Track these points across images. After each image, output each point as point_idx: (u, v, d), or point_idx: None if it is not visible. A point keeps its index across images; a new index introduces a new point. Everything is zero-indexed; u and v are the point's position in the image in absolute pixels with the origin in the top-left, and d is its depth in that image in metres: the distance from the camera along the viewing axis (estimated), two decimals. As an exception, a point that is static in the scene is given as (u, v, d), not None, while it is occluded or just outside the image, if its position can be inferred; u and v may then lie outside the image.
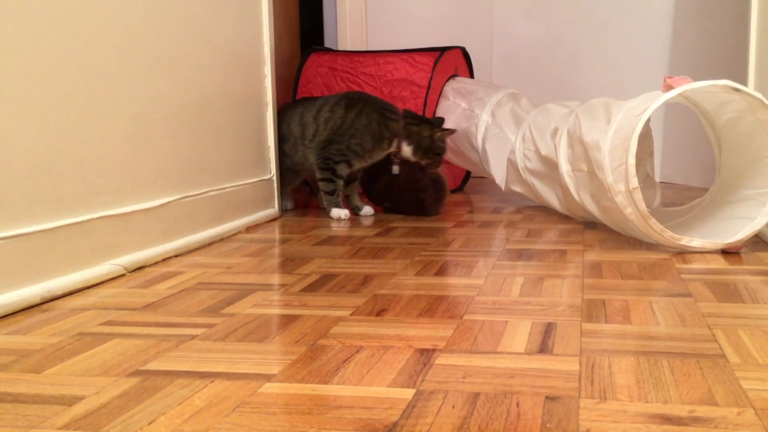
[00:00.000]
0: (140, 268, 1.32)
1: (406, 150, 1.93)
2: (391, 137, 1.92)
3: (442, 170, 2.03)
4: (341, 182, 1.92)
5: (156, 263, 1.37)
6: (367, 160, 1.93)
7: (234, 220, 1.73)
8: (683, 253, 1.42)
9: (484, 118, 2.20)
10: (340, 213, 1.90)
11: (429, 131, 1.93)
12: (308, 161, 1.96)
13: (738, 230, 1.42)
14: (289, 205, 2.08)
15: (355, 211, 1.97)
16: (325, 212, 1.96)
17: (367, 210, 1.97)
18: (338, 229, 1.76)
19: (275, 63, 1.99)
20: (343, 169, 1.90)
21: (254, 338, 0.91)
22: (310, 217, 1.94)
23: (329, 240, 1.61)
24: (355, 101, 1.94)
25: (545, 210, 2.02)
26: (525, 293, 1.12)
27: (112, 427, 0.66)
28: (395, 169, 1.96)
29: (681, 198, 2.21)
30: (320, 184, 1.92)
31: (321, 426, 0.65)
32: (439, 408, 0.69)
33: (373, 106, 1.93)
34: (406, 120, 1.94)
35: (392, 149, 1.94)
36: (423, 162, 1.95)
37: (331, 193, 1.91)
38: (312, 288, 1.17)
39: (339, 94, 2.01)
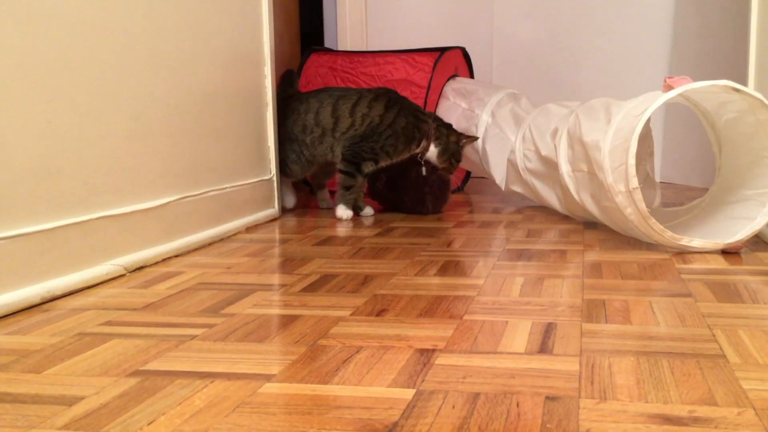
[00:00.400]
0: (140, 268, 1.32)
1: (433, 152, 1.96)
2: (420, 138, 1.93)
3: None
4: (361, 180, 1.91)
5: (156, 263, 1.37)
6: (393, 159, 1.94)
7: (234, 220, 1.73)
8: (683, 253, 1.42)
9: (484, 118, 2.20)
10: (345, 213, 1.90)
11: (456, 137, 1.97)
12: (333, 153, 1.93)
13: (738, 230, 1.42)
14: (291, 201, 2.05)
15: (356, 211, 1.97)
16: (323, 212, 1.95)
17: (368, 210, 1.97)
18: (338, 229, 1.76)
19: (275, 63, 1.99)
20: (368, 167, 1.90)
21: (254, 338, 0.91)
22: (310, 217, 1.94)
23: (329, 240, 1.61)
24: (394, 101, 1.93)
25: (545, 210, 2.02)
26: (525, 293, 1.12)
27: (112, 427, 0.66)
28: (423, 170, 1.98)
29: (681, 198, 2.21)
30: (340, 176, 1.91)
31: (321, 426, 0.65)
32: (439, 408, 0.69)
33: (409, 108, 1.94)
34: (437, 122, 1.97)
35: (418, 150, 1.95)
36: (442, 166, 1.99)
37: (348, 188, 1.90)
38: (312, 288, 1.17)
39: (374, 89, 1.97)
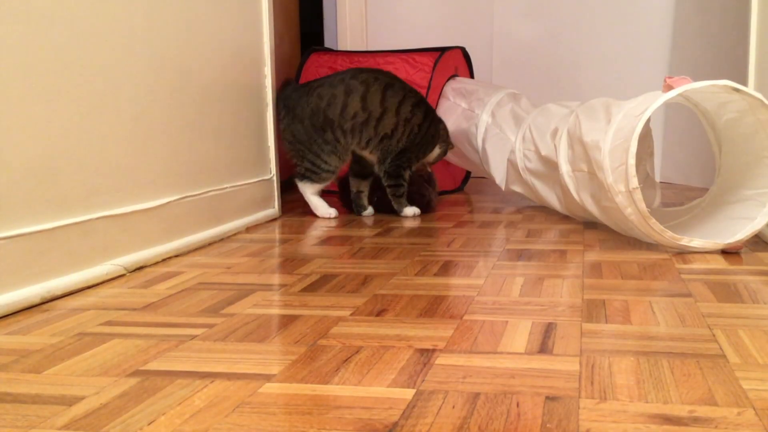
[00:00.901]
0: (140, 268, 1.32)
1: (435, 153, 2.00)
2: (438, 143, 1.99)
3: (435, 169, 2.13)
4: (406, 183, 1.94)
5: (156, 263, 1.37)
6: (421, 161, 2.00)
7: (234, 220, 1.73)
8: (683, 253, 1.42)
9: (484, 118, 2.20)
10: (410, 211, 1.94)
11: (451, 144, 2.04)
12: (365, 148, 1.90)
13: (738, 230, 1.42)
14: (333, 210, 1.95)
15: (358, 210, 1.98)
16: (315, 215, 1.95)
17: (370, 211, 1.98)
18: (338, 229, 1.76)
19: (275, 63, 1.99)
20: (408, 174, 1.94)
21: (254, 338, 0.91)
22: (310, 217, 1.94)
23: (329, 240, 1.61)
24: (429, 108, 1.96)
25: (545, 210, 2.02)
26: (525, 293, 1.12)
27: (112, 427, 0.66)
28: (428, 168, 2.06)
29: (681, 198, 2.21)
30: (389, 189, 1.94)
31: (321, 426, 0.65)
32: (439, 408, 0.69)
33: (432, 113, 1.97)
34: (441, 123, 2.01)
35: None
36: (430, 165, 2.04)
37: (401, 195, 1.94)
38: (312, 288, 1.17)
39: (413, 89, 1.95)
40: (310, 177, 1.91)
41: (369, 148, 1.91)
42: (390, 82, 1.91)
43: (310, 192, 1.93)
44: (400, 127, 1.90)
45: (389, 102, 1.89)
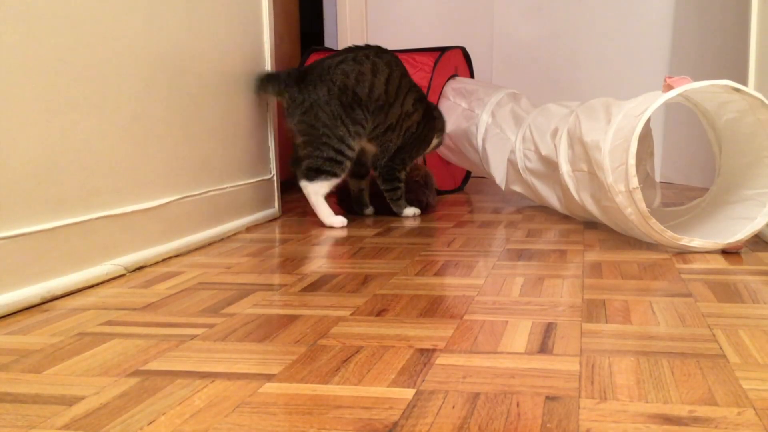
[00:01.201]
0: (140, 268, 1.32)
1: (433, 144, 2.01)
2: (432, 139, 2.00)
3: (435, 170, 2.16)
4: (402, 184, 1.93)
5: (156, 263, 1.37)
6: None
7: (234, 220, 1.73)
8: (683, 253, 1.42)
9: (484, 118, 2.20)
10: (410, 211, 1.94)
11: (446, 136, 2.08)
12: (373, 132, 1.84)
13: (738, 230, 1.42)
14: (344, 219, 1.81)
15: (360, 208, 1.98)
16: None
17: (371, 210, 1.98)
18: (338, 229, 1.76)
19: (275, 63, 1.99)
20: (402, 174, 1.93)
21: (254, 338, 0.91)
22: (310, 217, 1.94)
23: (329, 240, 1.61)
24: (428, 106, 1.96)
25: (545, 210, 2.02)
26: (525, 293, 1.12)
27: (112, 427, 0.66)
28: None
29: (681, 198, 2.21)
30: (387, 193, 1.93)
31: (321, 426, 0.65)
32: (439, 408, 0.69)
33: (430, 112, 1.96)
34: (436, 111, 2.01)
35: None
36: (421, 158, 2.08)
37: (399, 198, 1.93)
38: (312, 288, 1.17)
39: (416, 85, 1.92)
40: (329, 170, 1.75)
41: (374, 134, 1.85)
42: (404, 71, 1.90)
43: (323, 193, 1.77)
44: (401, 120, 1.88)
45: (401, 91, 1.87)
